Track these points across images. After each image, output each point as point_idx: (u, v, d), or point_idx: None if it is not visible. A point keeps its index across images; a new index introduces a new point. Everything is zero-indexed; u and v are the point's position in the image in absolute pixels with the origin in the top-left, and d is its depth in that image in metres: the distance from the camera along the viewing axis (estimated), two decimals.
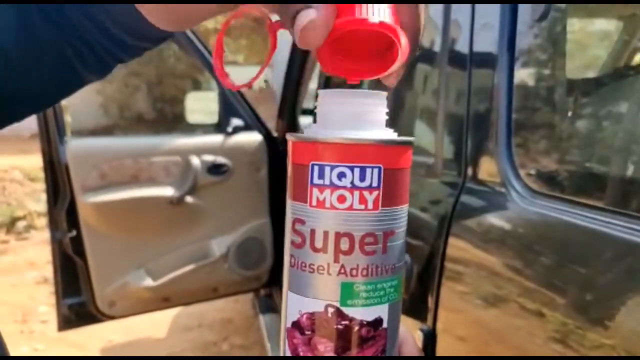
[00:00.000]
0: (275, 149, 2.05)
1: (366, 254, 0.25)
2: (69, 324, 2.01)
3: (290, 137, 0.26)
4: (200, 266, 2.08)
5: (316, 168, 0.25)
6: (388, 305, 0.26)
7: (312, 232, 0.25)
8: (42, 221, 2.73)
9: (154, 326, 2.80)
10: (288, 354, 0.26)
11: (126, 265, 2.01)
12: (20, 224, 4.47)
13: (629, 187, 0.51)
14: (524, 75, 0.65)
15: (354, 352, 0.25)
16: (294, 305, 0.26)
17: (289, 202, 0.26)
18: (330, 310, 0.25)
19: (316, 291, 0.25)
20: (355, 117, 0.26)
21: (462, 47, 0.75)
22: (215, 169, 2.03)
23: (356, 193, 0.25)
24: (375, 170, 0.25)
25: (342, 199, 0.25)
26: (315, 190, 0.25)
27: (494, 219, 0.58)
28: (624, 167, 0.54)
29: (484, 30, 0.70)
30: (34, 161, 3.08)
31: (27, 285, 3.44)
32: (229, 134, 2.06)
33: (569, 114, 0.65)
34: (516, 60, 0.62)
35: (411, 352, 0.27)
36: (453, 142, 0.71)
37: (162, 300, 2.08)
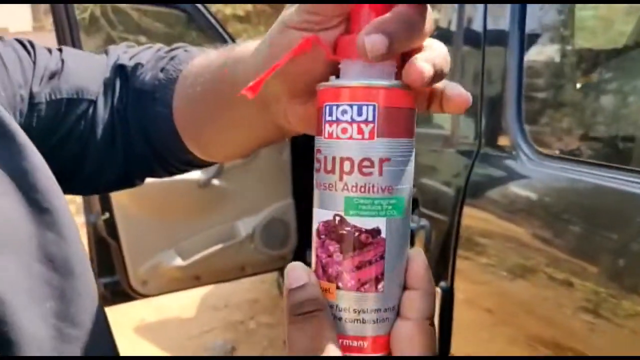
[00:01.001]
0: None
1: (363, 175, 0.32)
2: (104, 302, 2.09)
3: (324, 85, 0.33)
4: (228, 246, 2.15)
5: (327, 108, 0.32)
6: (386, 219, 0.32)
7: (325, 158, 0.33)
8: (75, 206, 2.84)
9: (184, 306, 2.91)
10: (313, 257, 0.34)
11: (157, 246, 2.10)
12: None
13: (622, 144, 0.56)
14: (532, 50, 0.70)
15: (355, 253, 0.32)
16: (316, 217, 0.33)
17: (316, 138, 0.34)
18: (337, 218, 0.32)
19: (328, 204, 0.33)
20: (365, 68, 0.32)
21: (477, 26, 0.79)
22: None
23: (354, 126, 0.31)
24: (370, 107, 0.31)
25: (344, 130, 0.32)
26: (327, 125, 0.32)
27: (506, 181, 0.64)
28: (617, 129, 0.58)
29: (496, 10, 0.74)
30: None
31: None
32: None
33: (573, 85, 0.70)
34: (526, 39, 0.67)
35: (418, 270, 0.33)
36: (469, 112, 0.76)
37: (192, 278, 2.17)
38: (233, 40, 2.15)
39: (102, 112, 0.53)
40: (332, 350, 0.31)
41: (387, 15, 0.31)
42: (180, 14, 2.27)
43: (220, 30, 2.12)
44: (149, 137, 0.53)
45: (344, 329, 0.33)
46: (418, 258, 0.33)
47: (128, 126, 0.53)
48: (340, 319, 0.33)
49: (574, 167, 0.57)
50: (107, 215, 2.00)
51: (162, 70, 0.52)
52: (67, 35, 1.90)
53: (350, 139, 0.31)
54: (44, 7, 17.77)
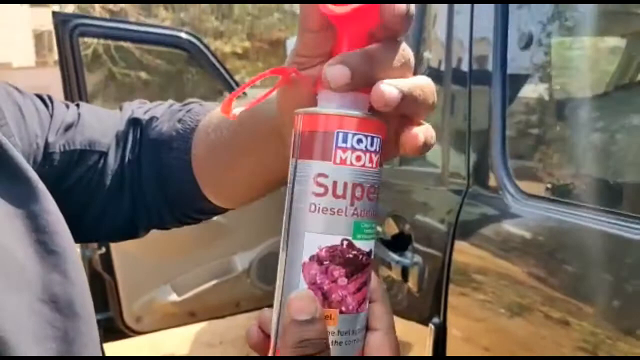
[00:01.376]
0: None
1: (370, 200, 0.34)
2: None
3: (310, 111, 0.34)
4: (224, 281, 2.15)
5: (341, 134, 0.33)
6: (373, 241, 0.35)
7: (335, 183, 0.33)
8: None
9: (179, 343, 2.87)
10: (304, 285, 0.33)
11: (152, 281, 2.09)
12: None
13: (607, 185, 0.58)
14: (516, 93, 0.73)
15: (358, 275, 0.33)
16: (312, 242, 0.33)
17: (305, 162, 0.34)
18: (345, 242, 0.33)
19: (334, 229, 0.33)
20: (353, 101, 0.34)
21: (464, 66, 0.82)
22: None
23: (368, 154, 0.33)
24: (378, 139, 0.34)
25: (358, 158, 0.33)
26: (340, 151, 0.33)
27: (492, 220, 0.66)
28: (603, 171, 0.61)
29: (481, 51, 0.77)
30: None
31: None
32: None
33: (556, 127, 0.73)
34: (508, 81, 0.70)
35: (376, 285, 0.36)
36: (457, 153, 0.79)
37: (187, 315, 2.16)
38: (232, 77, 2.20)
39: (112, 163, 0.55)
40: None
41: (355, 50, 0.33)
42: (182, 52, 2.32)
43: (219, 66, 2.16)
44: (163, 185, 0.55)
45: (340, 351, 0.33)
46: (373, 274, 0.35)
47: (140, 175, 0.56)
48: (340, 343, 0.33)
49: (556, 208, 0.59)
50: (103, 250, 2.00)
51: (179, 121, 0.55)
52: (72, 70, 1.95)
53: (363, 167, 0.33)
54: (47, 42, 18.06)
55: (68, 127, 0.55)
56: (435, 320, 0.73)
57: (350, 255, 0.33)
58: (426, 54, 1.05)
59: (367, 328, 0.35)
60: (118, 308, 2.06)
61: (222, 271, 2.17)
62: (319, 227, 0.33)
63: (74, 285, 0.44)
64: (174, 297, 2.11)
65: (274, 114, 0.41)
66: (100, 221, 0.56)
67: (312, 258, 0.33)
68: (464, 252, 0.72)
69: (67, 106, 0.57)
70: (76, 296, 0.44)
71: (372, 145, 0.33)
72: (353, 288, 0.33)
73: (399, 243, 0.89)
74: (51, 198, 0.46)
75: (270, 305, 0.35)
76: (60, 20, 1.94)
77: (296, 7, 17.22)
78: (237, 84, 2.14)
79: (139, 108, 0.59)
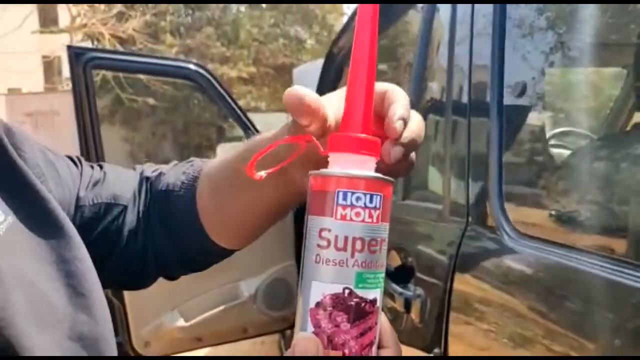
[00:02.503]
0: None
1: (371, 253, 0.37)
2: None
3: (318, 173, 0.39)
4: (230, 307, 2.18)
5: (341, 193, 0.37)
6: (379, 290, 0.38)
7: (336, 237, 0.37)
8: None
9: None
10: (311, 329, 0.37)
11: (161, 307, 2.12)
12: None
13: (601, 229, 0.63)
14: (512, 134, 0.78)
15: (361, 321, 0.37)
16: (318, 290, 0.37)
17: (313, 218, 0.38)
18: (347, 291, 0.37)
19: (337, 278, 0.37)
20: (361, 162, 0.39)
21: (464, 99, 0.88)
22: None
23: (367, 211, 0.37)
24: (378, 196, 0.38)
25: (358, 214, 0.37)
26: (340, 208, 0.37)
27: (489, 257, 0.71)
28: (598, 215, 0.65)
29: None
30: None
31: None
32: None
33: (554, 165, 0.77)
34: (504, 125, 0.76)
35: (387, 329, 0.40)
36: (458, 193, 0.84)
37: (194, 340, 2.18)
38: (239, 107, 2.26)
39: (130, 215, 0.62)
40: None
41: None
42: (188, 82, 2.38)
43: (227, 96, 2.22)
44: (171, 232, 0.61)
45: None
46: (385, 321, 0.40)
47: (150, 224, 0.62)
48: None
49: (548, 248, 0.64)
50: None
51: (183, 173, 0.62)
52: (85, 101, 2.02)
53: (362, 222, 0.37)
54: (56, 69, 18.35)
55: (95, 184, 0.62)
56: (436, 350, 0.77)
57: (352, 303, 0.37)
58: (430, 84, 1.10)
59: None
60: (127, 333, 2.09)
61: (229, 297, 2.20)
62: (324, 277, 0.37)
63: (99, 324, 0.50)
64: (181, 322, 2.14)
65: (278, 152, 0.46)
66: (117, 269, 0.62)
67: (317, 304, 0.37)
68: (464, 284, 0.76)
69: (92, 166, 0.65)
70: (100, 335, 0.50)
71: (371, 202, 0.37)
72: (356, 333, 0.37)
73: (401, 275, 0.93)
74: (83, 246, 0.52)
75: (277, 331, 0.40)
76: (74, 53, 2.02)
77: (301, 33, 17.50)
78: (245, 114, 2.19)
79: (148, 168, 0.67)
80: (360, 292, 0.37)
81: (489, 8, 0.85)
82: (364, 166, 0.39)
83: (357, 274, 0.37)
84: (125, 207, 0.61)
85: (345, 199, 0.37)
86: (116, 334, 1.99)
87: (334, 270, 0.37)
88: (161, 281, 2.22)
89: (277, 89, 16.26)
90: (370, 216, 0.37)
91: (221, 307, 2.17)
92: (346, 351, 0.37)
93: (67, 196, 0.58)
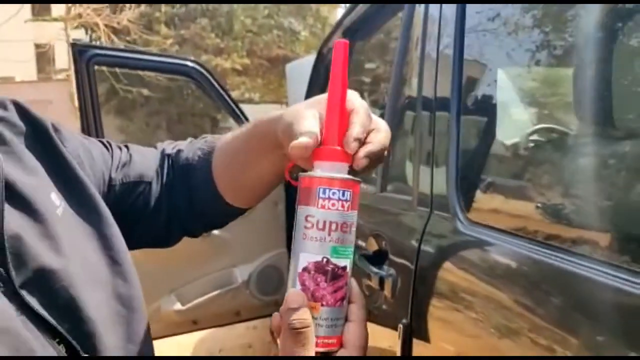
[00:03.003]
0: (290, 186, 2.29)
1: (343, 232, 0.51)
2: None
3: (306, 175, 0.52)
4: (225, 292, 2.31)
5: (321, 189, 0.50)
6: (349, 259, 0.51)
7: (318, 221, 0.50)
8: None
9: (180, 350, 3.01)
10: (299, 286, 0.51)
11: (158, 291, 2.25)
12: None
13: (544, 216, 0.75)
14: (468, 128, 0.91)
15: (335, 281, 0.50)
16: (304, 259, 0.50)
17: (301, 207, 0.51)
18: (325, 260, 0.50)
19: (318, 251, 0.50)
20: (337, 167, 0.52)
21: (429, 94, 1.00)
22: None
23: (340, 202, 0.50)
24: (349, 192, 0.51)
25: (333, 204, 0.50)
26: (320, 200, 0.50)
27: (447, 242, 0.84)
28: (547, 205, 0.77)
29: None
30: None
31: None
32: None
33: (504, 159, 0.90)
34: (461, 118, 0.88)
35: (357, 291, 0.54)
36: (424, 185, 0.97)
37: (190, 323, 2.31)
38: (235, 103, 2.36)
39: (155, 189, 0.75)
40: (311, 351, 0.49)
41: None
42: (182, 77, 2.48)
43: (222, 92, 2.32)
44: (192, 197, 0.74)
45: (323, 332, 0.51)
46: (354, 283, 0.53)
47: (173, 194, 0.75)
48: (321, 325, 0.51)
49: (495, 234, 0.75)
50: None
51: (199, 149, 0.76)
52: (88, 96, 2.13)
53: (337, 210, 0.50)
54: (50, 58, 18.29)
55: (124, 165, 0.74)
56: (404, 321, 0.90)
57: (329, 268, 0.51)
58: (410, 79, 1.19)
59: (346, 319, 0.52)
60: None
61: (223, 282, 2.33)
62: (309, 249, 0.51)
63: (132, 288, 0.63)
64: (178, 306, 2.27)
65: (277, 135, 0.60)
66: (145, 233, 0.75)
67: (304, 269, 0.51)
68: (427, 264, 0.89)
69: (120, 148, 0.77)
70: (133, 295, 0.63)
71: (343, 196, 0.51)
72: (331, 289, 0.51)
73: (377, 257, 1.06)
74: (115, 224, 0.65)
75: (268, 315, 0.53)
76: (78, 51, 2.12)
77: (295, 25, 17.51)
78: (241, 110, 2.30)
79: (168, 145, 0.80)
80: (335, 261, 0.51)
81: (452, 8, 0.95)
82: (339, 170, 0.52)
83: (333, 247, 0.50)
84: (150, 183, 0.74)
85: (324, 193, 0.50)
86: None
87: (316, 245, 0.50)
88: (159, 267, 2.34)
89: (270, 80, 16.32)
90: (343, 206, 0.51)
91: (216, 292, 2.30)
92: (324, 302, 0.50)
93: (100, 177, 0.71)
